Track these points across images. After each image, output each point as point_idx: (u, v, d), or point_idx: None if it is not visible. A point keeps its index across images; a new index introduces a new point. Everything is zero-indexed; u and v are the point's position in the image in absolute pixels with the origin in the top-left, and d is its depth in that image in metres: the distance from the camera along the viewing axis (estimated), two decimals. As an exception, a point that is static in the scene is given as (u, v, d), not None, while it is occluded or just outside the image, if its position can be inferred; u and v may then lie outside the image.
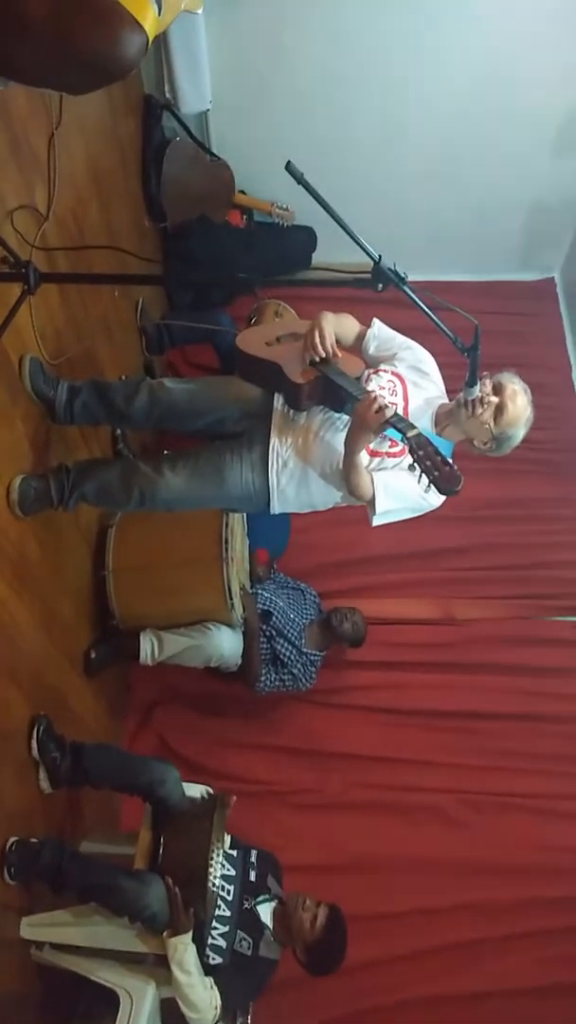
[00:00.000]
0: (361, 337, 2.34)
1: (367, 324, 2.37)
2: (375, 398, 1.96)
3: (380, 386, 2.24)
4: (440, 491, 1.81)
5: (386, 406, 1.95)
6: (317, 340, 2.15)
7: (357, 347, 2.36)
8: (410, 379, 2.29)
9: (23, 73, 1.57)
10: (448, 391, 2.38)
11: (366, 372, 2.29)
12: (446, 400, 2.33)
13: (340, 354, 2.23)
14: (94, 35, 1.45)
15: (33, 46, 1.47)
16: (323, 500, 2.36)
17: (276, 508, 2.34)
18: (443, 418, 2.28)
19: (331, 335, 2.18)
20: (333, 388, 2.15)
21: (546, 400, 4.15)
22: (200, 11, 3.23)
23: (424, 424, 2.25)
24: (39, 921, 2.22)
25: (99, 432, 2.96)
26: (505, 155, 4.15)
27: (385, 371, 2.30)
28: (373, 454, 2.18)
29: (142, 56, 1.49)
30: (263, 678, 3.18)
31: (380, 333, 2.34)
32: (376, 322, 2.34)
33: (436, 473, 1.80)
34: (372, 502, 2.16)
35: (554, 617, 3.87)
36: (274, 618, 3.24)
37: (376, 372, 2.30)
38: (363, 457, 2.17)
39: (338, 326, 2.26)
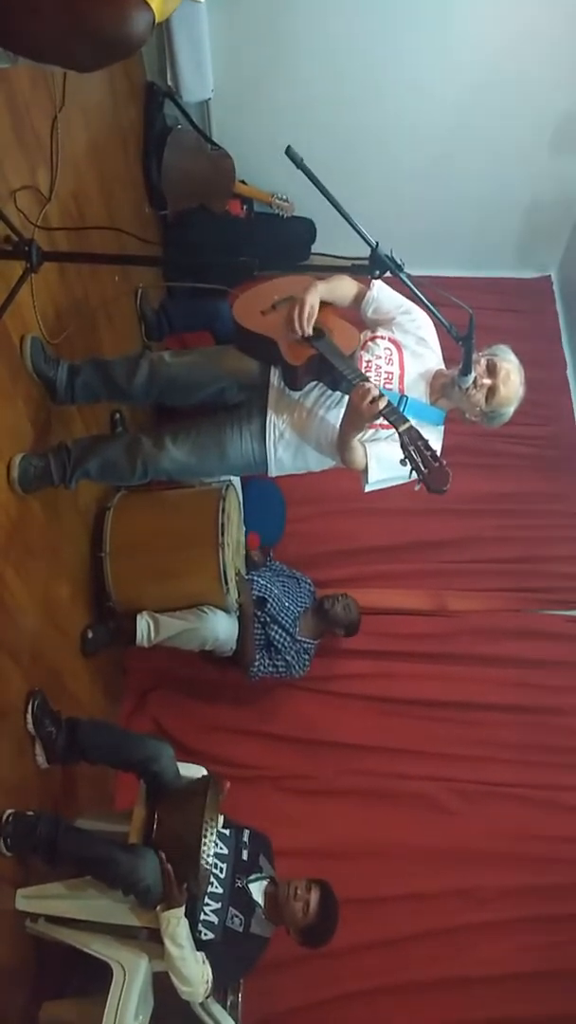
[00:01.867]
0: (360, 299, 2.36)
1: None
2: (368, 389, 1.97)
3: (377, 355, 2.27)
4: (429, 489, 1.83)
5: (379, 396, 1.96)
6: (296, 319, 2.18)
7: (355, 308, 2.38)
8: (408, 347, 2.32)
9: (33, 50, 1.59)
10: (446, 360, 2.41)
11: (363, 338, 2.32)
12: (443, 367, 2.35)
13: (335, 328, 2.25)
14: (103, 13, 1.47)
15: (43, 23, 1.49)
16: (318, 465, 2.41)
17: (273, 473, 2.40)
18: (437, 389, 2.30)
19: (313, 310, 2.19)
20: (329, 366, 2.18)
21: (541, 397, 4.23)
22: (203, 0, 3.26)
23: (419, 393, 2.28)
24: (34, 893, 2.24)
25: (97, 411, 2.98)
26: (503, 153, 4.17)
27: (382, 338, 2.32)
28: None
29: (149, 34, 1.51)
30: (256, 663, 3.20)
31: (379, 296, 2.35)
32: (376, 284, 2.33)
33: (426, 471, 1.82)
34: (365, 472, 2.20)
35: (545, 610, 3.90)
36: (269, 605, 3.26)
37: (373, 339, 2.32)
38: None
39: (330, 293, 2.28)
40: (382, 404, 1.95)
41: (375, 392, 1.97)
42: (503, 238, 4.68)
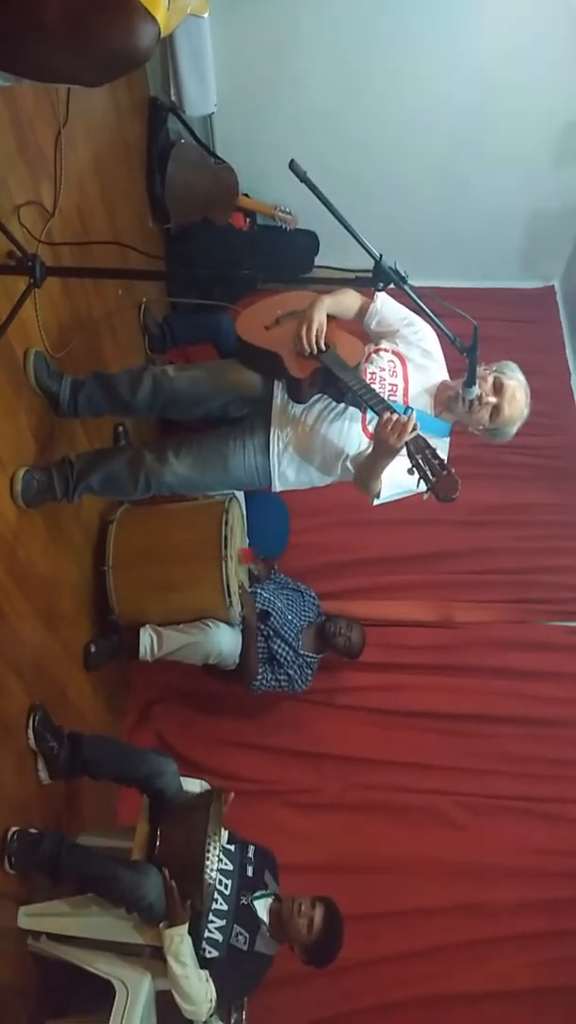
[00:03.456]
0: (364, 311, 2.35)
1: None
2: (395, 420, 1.90)
3: (381, 367, 2.26)
4: (438, 498, 1.80)
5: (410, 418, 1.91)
6: (305, 337, 2.17)
7: (359, 321, 2.37)
8: (411, 359, 2.31)
9: (40, 71, 1.59)
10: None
11: (367, 350, 2.31)
12: (447, 379, 2.34)
13: (339, 340, 2.24)
14: (109, 29, 1.47)
15: (50, 45, 1.49)
16: (321, 479, 2.39)
17: (277, 487, 2.39)
18: (442, 402, 2.29)
19: (322, 327, 2.19)
20: (333, 378, 2.17)
21: (545, 407, 4.23)
22: (206, 15, 3.28)
23: (423, 405, 2.27)
24: (37, 911, 2.22)
25: (100, 425, 2.98)
26: (506, 163, 4.19)
27: (386, 350, 2.31)
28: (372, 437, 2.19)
29: (155, 46, 1.51)
30: (259, 677, 3.19)
31: (382, 308, 2.34)
32: (380, 296, 2.32)
33: (434, 479, 1.80)
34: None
35: (551, 622, 3.88)
36: (272, 618, 3.24)
37: (377, 351, 2.31)
38: (363, 442, 2.19)
39: (335, 306, 2.27)
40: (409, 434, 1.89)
41: (400, 421, 1.89)
42: (506, 249, 4.70)
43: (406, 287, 1.92)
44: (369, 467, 2.11)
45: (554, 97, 3.94)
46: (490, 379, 2.20)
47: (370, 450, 2.13)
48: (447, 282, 4.43)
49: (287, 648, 3.21)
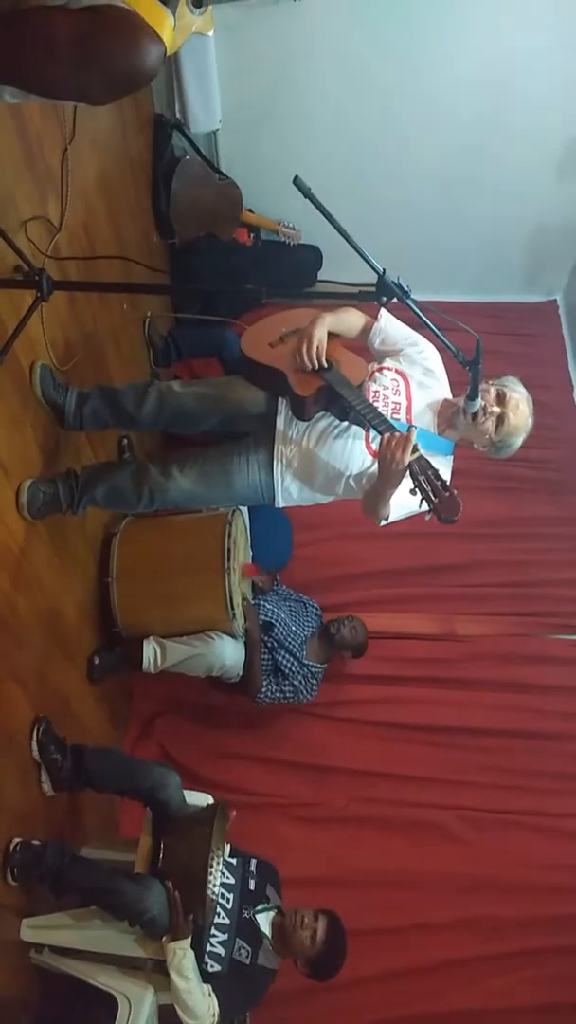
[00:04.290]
0: (367, 330, 2.36)
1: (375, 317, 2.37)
2: (396, 438, 1.90)
3: (384, 385, 2.27)
4: (440, 519, 1.81)
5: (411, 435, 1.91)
6: (305, 354, 2.18)
7: (363, 339, 2.38)
8: (415, 378, 2.32)
9: (49, 90, 1.61)
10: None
11: (371, 369, 2.32)
12: (450, 397, 2.35)
13: (343, 359, 2.25)
14: (118, 50, 1.49)
15: (59, 63, 1.51)
16: (324, 497, 2.40)
17: (280, 503, 2.39)
18: (445, 419, 2.30)
19: (322, 343, 2.20)
20: (337, 397, 2.18)
21: (548, 420, 4.23)
22: (211, 33, 3.31)
23: (426, 423, 2.28)
24: (39, 923, 2.21)
25: (105, 438, 3.00)
26: (509, 178, 4.22)
27: (389, 369, 2.32)
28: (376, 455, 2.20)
29: (161, 65, 1.54)
30: (264, 689, 3.19)
31: (386, 327, 2.36)
32: (383, 315, 2.34)
33: (436, 500, 1.81)
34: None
35: (555, 635, 3.88)
36: (276, 629, 3.25)
37: (380, 370, 2.33)
38: (367, 459, 2.20)
39: (338, 324, 2.28)
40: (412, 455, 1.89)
41: (401, 435, 1.89)
42: (509, 263, 4.73)
43: (409, 301, 1.93)
44: (376, 494, 2.10)
45: (557, 112, 3.97)
46: (493, 391, 2.21)
47: (374, 469, 2.13)
48: (450, 296, 4.47)
49: (291, 659, 3.21)
